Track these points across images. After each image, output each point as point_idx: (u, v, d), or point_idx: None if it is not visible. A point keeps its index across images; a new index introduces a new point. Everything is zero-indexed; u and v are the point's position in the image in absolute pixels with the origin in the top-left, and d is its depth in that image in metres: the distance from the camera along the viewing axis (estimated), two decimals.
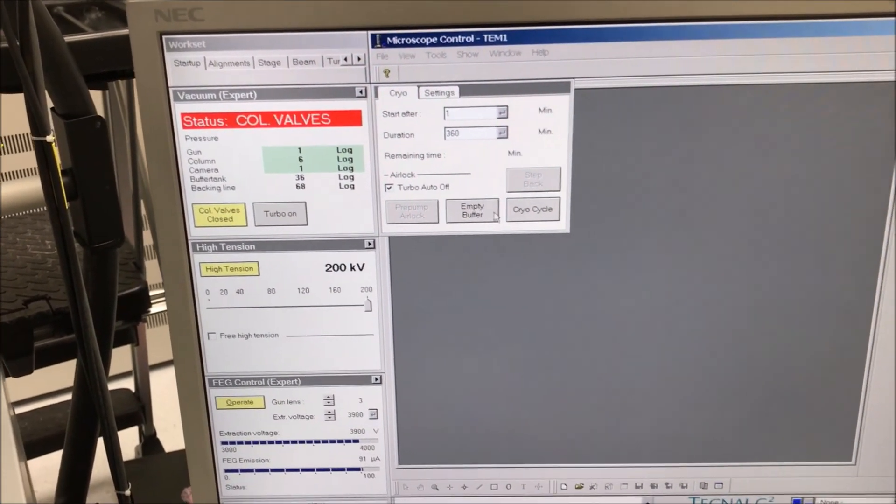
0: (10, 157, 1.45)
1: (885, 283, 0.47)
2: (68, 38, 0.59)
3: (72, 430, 0.71)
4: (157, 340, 1.08)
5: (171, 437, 1.18)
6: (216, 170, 0.46)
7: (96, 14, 0.85)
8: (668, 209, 0.46)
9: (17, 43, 0.46)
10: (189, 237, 0.47)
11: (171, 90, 0.45)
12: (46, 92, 0.55)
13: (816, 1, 0.42)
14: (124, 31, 0.70)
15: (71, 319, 0.54)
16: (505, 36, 0.43)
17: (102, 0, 0.85)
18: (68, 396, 0.70)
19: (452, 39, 0.43)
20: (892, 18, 0.43)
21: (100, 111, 1.02)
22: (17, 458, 0.62)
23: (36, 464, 0.94)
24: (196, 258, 0.47)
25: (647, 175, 0.45)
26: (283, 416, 0.50)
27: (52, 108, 0.57)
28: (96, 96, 1.01)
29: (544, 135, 0.45)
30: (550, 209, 0.46)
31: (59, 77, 0.55)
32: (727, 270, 0.47)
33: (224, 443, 0.51)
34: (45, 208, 0.52)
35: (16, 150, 1.45)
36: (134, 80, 0.45)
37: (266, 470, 0.52)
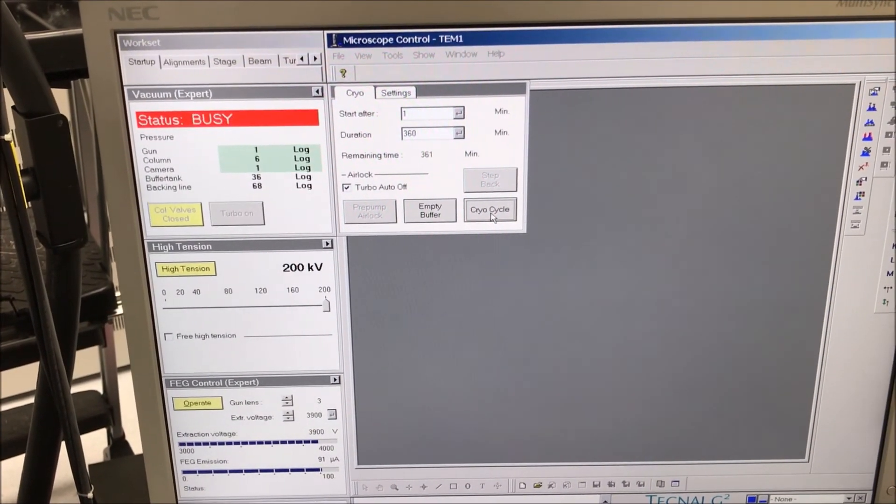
0: None
1: (837, 283, 0.47)
2: (30, 37, 0.59)
3: (35, 433, 0.70)
4: (126, 342, 1.07)
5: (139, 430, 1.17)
6: (172, 169, 0.45)
7: (60, 12, 0.84)
8: (624, 209, 0.46)
9: None
10: (145, 237, 0.47)
11: (125, 89, 0.44)
12: (7, 90, 0.54)
13: (770, 3, 0.43)
14: None
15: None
16: (461, 37, 0.43)
17: None
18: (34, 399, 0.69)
19: (409, 40, 0.43)
20: (848, 22, 0.43)
21: (65, 109, 1.01)
22: None
23: (3, 466, 0.93)
24: (152, 258, 0.47)
25: (602, 176, 0.46)
26: (241, 417, 0.50)
27: (13, 107, 0.56)
28: (62, 94, 1.00)
29: (501, 136, 0.45)
30: (507, 209, 0.46)
31: (20, 75, 0.54)
32: (681, 270, 0.47)
33: (182, 444, 0.51)
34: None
35: None
36: None
37: (224, 471, 0.51)
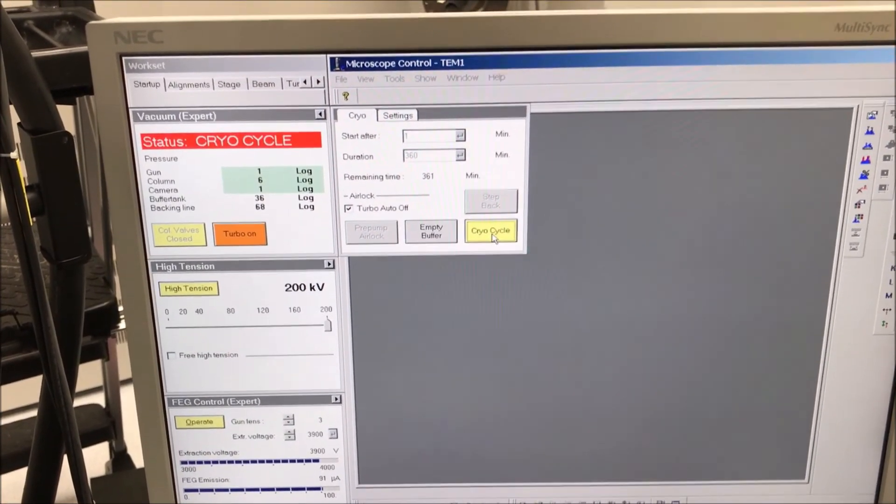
0: None
1: (836, 305, 0.48)
2: (36, 54, 0.59)
3: (37, 447, 0.70)
4: (128, 352, 1.07)
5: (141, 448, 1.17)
6: (176, 190, 0.46)
7: (67, 28, 0.85)
8: (624, 231, 0.47)
9: None
10: (148, 256, 0.47)
11: (130, 111, 0.45)
12: (13, 107, 0.55)
13: (769, 28, 0.43)
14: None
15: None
16: (462, 61, 0.44)
17: (73, 15, 0.85)
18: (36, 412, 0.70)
19: (411, 63, 0.44)
20: (846, 47, 0.44)
21: (71, 126, 1.02)
22: None
23: (6, 479, 0.93)
24: (155, 277, 0.47)
25: (603, 198, 0.46)
26: (242, 436, 0.50)
27: (19, 124, 0.57)
28: (68, 111, 1.01)
29: (501, 158, 0.45)
30: (508, 230, 0.47)
31: (26, 92, 0.55)
32: (681, 292, 0.48)
33: (184, 462, 0.51)
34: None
35: None
36: None
37: (226, 490, 0.52)
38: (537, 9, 1.57)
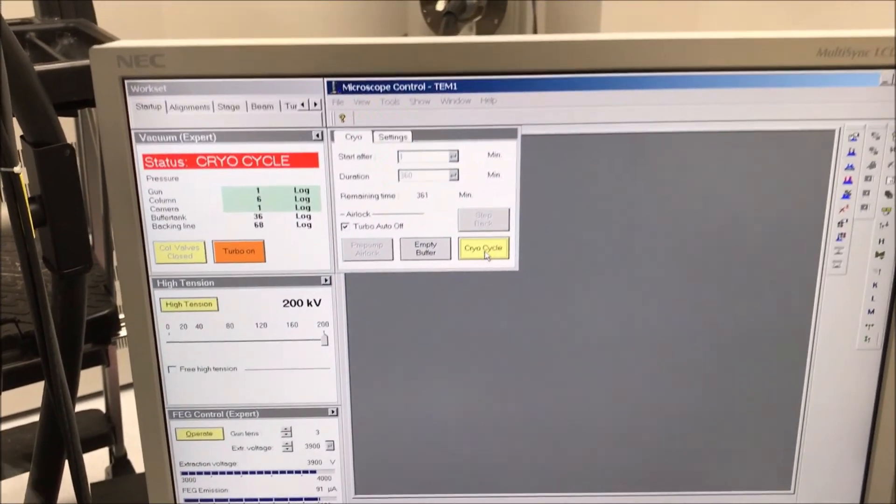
0: None
1: (820, 321, 0.49)
2: (38, 68, 0.60)
3: (39, 454, 0.71)
4: (129, 361, 1.08)
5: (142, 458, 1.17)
6: (177, 209, 0.47)
7: (68, 40, 0.86)
8: (612, 249, 0.48)
9: None
10: (150, 273, 0.48)
11: (132, 132, 0.46)
12: (15, 119, 0.56)
13: (753, 52, 0.45)
14: None
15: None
16: (455, 84, 0.45)
17: (75, 27, 0.86)
18: (37, 417, 0.71)
19: (405, 87, 0.45)
20: (828, 72, 0.45)
21: (71, 133, 1.02)
22: None
23: (6, 484, 0.94)
24: (156, 294, 0.49)
25: (591, 217, 0.47)
26: (241, 448, 0.52)
27: (21, 136, 0.58)
28: (69, 120, 1.02)
29: (493, 178, 0.47)
30: (500, 248, 0.48)
31: (29, 106, 0.56)
32: (668, 308, 0.49)
33: (184, 473, 0.52)
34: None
35: None
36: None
37: (225, 499, 0.53)
38: (534, 13, 1.58)
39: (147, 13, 1.54)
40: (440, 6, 1.50)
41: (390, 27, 1.77)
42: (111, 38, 0.78)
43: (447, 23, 1.47)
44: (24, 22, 0.86)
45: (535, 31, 1.61)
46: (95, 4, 0.91)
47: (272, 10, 1.74)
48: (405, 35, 1.63)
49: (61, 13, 0.90)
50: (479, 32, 1.57)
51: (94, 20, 0.90)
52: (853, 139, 0.46)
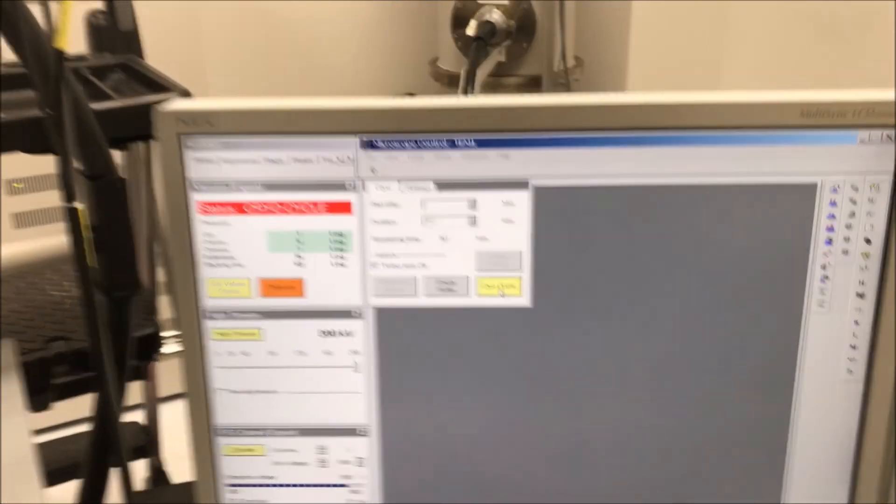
0: (28, 197, 1.53)
1: (806, 355, 0.53)
2: (94, 107, 0.65)
3: (88, 463, 0.77)
4: (167, 373, 1.13)
5: (179, 469, 1.23)
6: (226, 250, 0.53)
7: (118, 76, 0.91)
8: (617, 289, 0.53)
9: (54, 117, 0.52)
10: (202, 307, 0.54)
11: (188, 182, 0.52)
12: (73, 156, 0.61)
13: (741, 113, 0.50)
14: (145, 99, 0.78)
15: (87, 358, 0.60)
16: (473, 142, 0.51)
17: (125, 63, 0.91)
18: (82, 427, 0.76)
19: (429, 144, 0.51)
20: (810, 131, 0.50)
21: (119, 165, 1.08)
22: (39, 486, 0.69)
23: (53, 492, 1.00)
24: (208, 324, 0.55)
25: (597, 260, 0.52)
26: (280, 463, 0.57)
27: (78, 169, 0.63)
28: (117, 154, 1.08)
29: (508, 224, 0.52)
30: (514, 286, 0.53)
31: (86, 142, 0.60)
32: (668, 344, 0.54)
33: (229, 485, 0.58)
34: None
35: (34, 190, 1.53)
36: (153, 141, 0.52)
37: None
38: (563, 39, 1.59)
39: (187, 42, 1.62)
40: (470, 31, 1.51)
41: (422, 52, 1.80)
42: (158, 75, 0.84)
43: (477, 47, 1.48)
44: (78, 58, 0.92)
45: (563, 57, 1.63)
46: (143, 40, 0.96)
47: (304, 30, 1.78)
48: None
49: (112, 49, 0.95)
50: (508, 56, 1.57)
51: (141, 55, 0.94)
52: (834, 191, 0.51)
